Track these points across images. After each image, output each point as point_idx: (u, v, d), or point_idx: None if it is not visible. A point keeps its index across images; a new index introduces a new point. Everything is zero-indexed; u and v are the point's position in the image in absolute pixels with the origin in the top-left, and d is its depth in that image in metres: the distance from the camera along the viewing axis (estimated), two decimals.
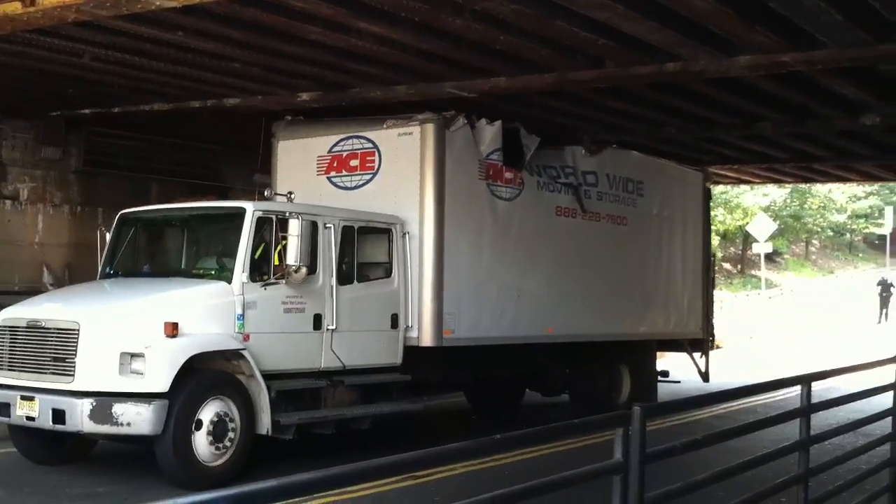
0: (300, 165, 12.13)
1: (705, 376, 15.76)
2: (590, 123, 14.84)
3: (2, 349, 9.47)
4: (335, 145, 11.95)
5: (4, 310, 9.79)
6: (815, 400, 6.32)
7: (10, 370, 9.37)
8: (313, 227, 10.05)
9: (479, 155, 11.91)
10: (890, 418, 7.50)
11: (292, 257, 9.55)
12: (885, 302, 38.40)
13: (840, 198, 50.14)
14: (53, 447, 9.74)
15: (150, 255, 11.57)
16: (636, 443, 4.13)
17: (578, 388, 14.20)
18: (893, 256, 57.67)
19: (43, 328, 9.24)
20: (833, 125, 14.06)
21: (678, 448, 4.64)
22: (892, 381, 7.48)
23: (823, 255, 56.84)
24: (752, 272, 44.62)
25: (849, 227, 55.32)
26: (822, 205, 49.93)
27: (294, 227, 9.55)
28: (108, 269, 10.77)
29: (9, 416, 9.22)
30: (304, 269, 9.72)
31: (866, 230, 57.08)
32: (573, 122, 14.77)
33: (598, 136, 15.30)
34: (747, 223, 39.08)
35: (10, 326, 9.50)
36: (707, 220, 17.03)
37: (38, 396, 8.96)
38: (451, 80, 11.22)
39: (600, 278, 13.79)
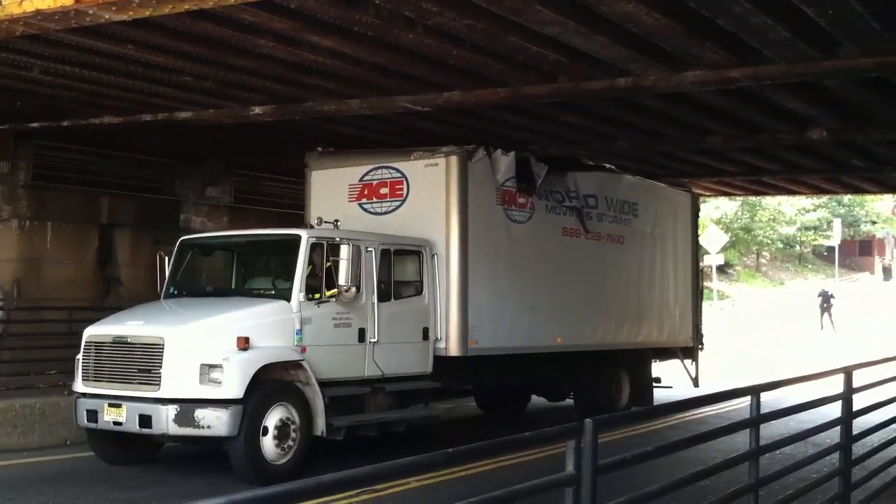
0: (332, 193, 13.26)
1: (695, 382, 16.90)
2: (543, 137, 14.96)
3: (87, 362, 10.59)
4: (365, 174, 13.13)
5: (88, 327, 10.89)
6: (765, 410, 6.41)
7: (95, 381, 10.50)
8: (358, 250, 11.15)
9: (496, 182, 13.16)
10: (838, 428, 7.61)
11: (343, 278, 10.79)
12: (825, 312, 40.56)
13: (790, 210, 50.95)
14: (125, 450, 10.92)
15: (210, 277, 12.95)
16: (588, 455, 4.15)
17: (582, 393, 15.55)
18: (842, 267, 58.73)
19: (129, 343, 10.37)
20: (781, 139, 14.28)
21: (630, 459, 4.66)
22: (841, 391, 7.60)
23: (774, 266, 57.65)
24: (705, 284, 45.10)
25: (798, 239, 56.23)
26: (772, 217, 50.70)
27: (344, 251, 10.82)
28: (171, 290, 11.98)
29: (96, 422, 10.39)
30: (353, 289, 10.97)
31: (815, 242, 58.06)
32: (527, 136, 14.87)
33: (551, 150, 15.43)
34: (699, 235, 39.55)
35: (95, 342, 10.62)
36: (695, 237, 18.37)
37: (125, 404, 10.13)
38: (405, 94, 11.25)
39: (602, 292, 15.11)
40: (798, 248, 59.01)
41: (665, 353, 16.99)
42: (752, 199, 39.74)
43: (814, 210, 53.13)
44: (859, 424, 8.04)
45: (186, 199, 17.58)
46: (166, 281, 11.99)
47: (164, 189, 17.38)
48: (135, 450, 10.95)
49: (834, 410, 7.68)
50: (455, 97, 11.08)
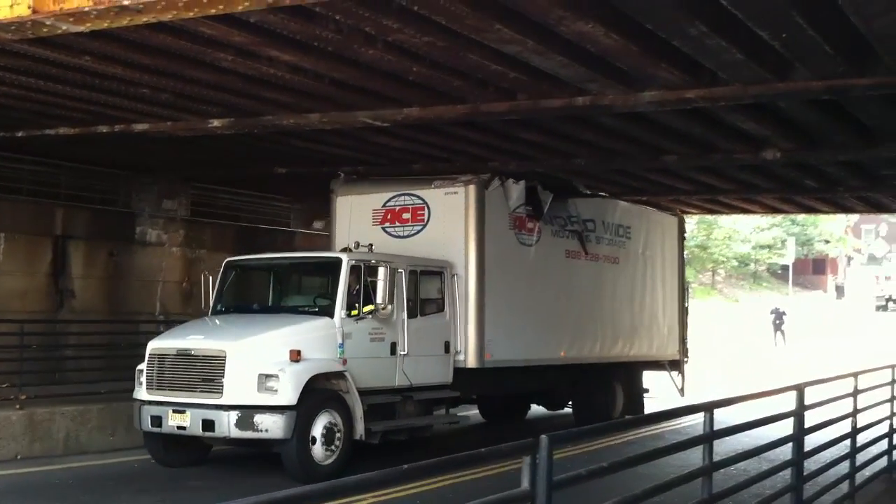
0: (356, 217, 14.34)
1: (682, 391, 18.22)
2: (502, 154, 15.03)
3: (151, 372, 11.66)
4: (388, 201, 14.28)
5: (152, 341, 12.06)
6: (721, 426, 6.47)
7: (159, 389, 11.58)
8: (392, 272, 12.23)
9: (509, 209, 14.40)
10: (791, 444, 7.70)
11: (381, 297, 11.92)
12: (778, 328, 41.82)
13: (745, 229, 51.60)
14: (179, 453, 12.05)
15: (252, 295, 13.91)
16: (543, 470, 4.16)
17: (580, 402, 16.83)
18: (796, 286, 59.56)
19: (192, 355, 11.46)
20: (736, 159, 14.46)
21: (585, 475, 4.68)
22: (793, 408, 7.70)
23: (729, 283, 58.33)
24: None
25: (753, 257, 56.95)
26: (727, 235, 51.33)
27: (381, 273, 11.94)
28: (218, 306, 13.08)
29: (160, 427, 11.46)
30: (389, 307, 12.14)
31: (770, 260, 58.86)
32: (485, 153, 14.94)
33: (510, 167, 15.52)
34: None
35: (158, 355, 11.71)
36: (681, 257, 19.68)
37: (188, 410, 11.21)
38: (364, 109, 11.24)
39: (599, 309, 16.45)
40: (753, 266, 59.77)
41: (654, 365, 18.21)
42: (708, 217, 40.26)
43: (768, 229, 53.92)
44: (811, 441, 8.15)
45: (142, 211, 17.43)
46: (213, 298, 13.09)
47: (120, 201, 17.22)
48: (186, 453, 12.10)
49: (787, 427, 7.77)
50: (414, 113, 11.10)
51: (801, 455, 7.66)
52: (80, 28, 7.23)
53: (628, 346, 17.21)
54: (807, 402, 7.80)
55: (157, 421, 11.51)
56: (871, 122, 12.09)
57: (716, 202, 21.04)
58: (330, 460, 11.33)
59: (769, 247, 55.94)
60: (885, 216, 66.03)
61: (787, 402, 7.81)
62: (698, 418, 6.24)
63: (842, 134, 12.69)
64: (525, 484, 4.13)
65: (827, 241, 61.56)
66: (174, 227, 17.97)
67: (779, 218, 50.77)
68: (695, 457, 6.25)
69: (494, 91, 10.35)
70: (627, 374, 17.37)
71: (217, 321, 12.78)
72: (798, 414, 7.64)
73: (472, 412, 16.83)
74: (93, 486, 10.95)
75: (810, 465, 8.17)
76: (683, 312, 19.31)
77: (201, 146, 14.64)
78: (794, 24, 7.49)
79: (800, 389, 7.66)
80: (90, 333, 15.55)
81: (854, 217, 60.71)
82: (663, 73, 9.25)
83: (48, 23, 6.83)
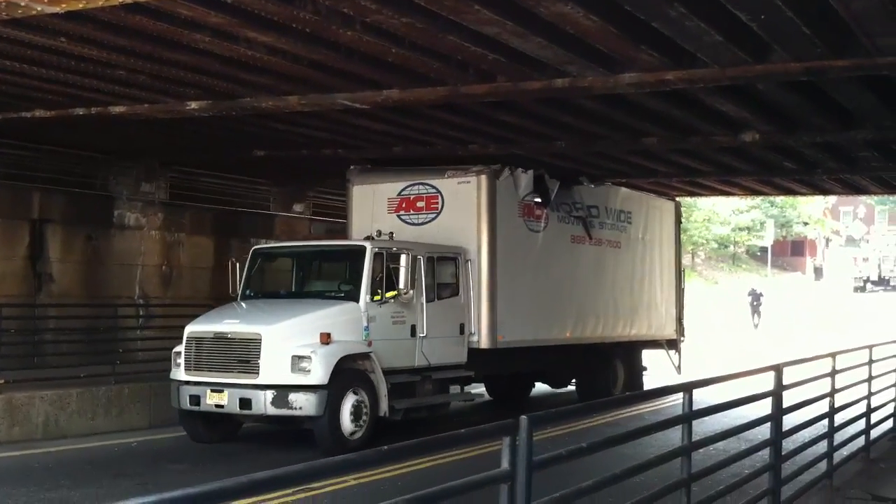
0: (372, 205, 15.01)
1: (678, 369, 19.10)
2: (481, 137, 15.01)
3: (189, 354, 12.35)
4: (403, 190, 15.01)
5: (189, 325, 12.67)
6: (701, 406, 6.51)
7: (196, 370, 12.27)
8: (412, 258, 12.93)
9: (518, 197, 15.14)
10: (769, 424, 7.76)
11: (403, 283, 12.68)
12: (755, 309, 42.41)
13: (724, 211, 51.80)
14: (212, 430, 12.78)
15: (278, 281, 14.62)
16: (523, 451, 4.17)
17: (584, 380, 17.67)
18: (774, 267, 59.90)
19: (229, 338, 12.20)
20: (715, 141, 14.52)
21: (564, 455, 4.70)
22: (772, 388, 7.75)
23: (709, 265, 58.57)
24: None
25: (732, 239, 57.20)
26: (707, 218, 51.49)
27: (403, 260, 12.70)
28: (247, 292, 13.84)
29: (199, 405, 12.18)
30: (411, 291, 12.87)
31: (749, 242, 59.15)
32: (465, 136, 14.92)
33: (490, 149, 15.50)
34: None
35: (196, 338, 12.40)
36: (678, 241, 20.46)
37: (226, 390, 11.92)
38: (343, 92, 11.19)
39: (603, 292, 17.25)
40: (732, 248, 60.04)
41: (653, 344, 19.11)
42: (688, 199, 40.38)
43: (747, 211, 54.14)
44: (789, 421, 8.21)
45: (120, 195, 17.32)
46: (241, 284, 13.86)
47: (98, 184, 17.09)
48: (219, 430, 12.86)
49: (766, 407, 7.82)
50: (394, 95, 11.06)
51: (779, 435, 7.71)
52: (55, 9, 7.17)
53: (629, 327, 18.07)
54: (785, 382, 7.85)
55: (195, 400, 12.20)
56: (848, 105, 12.16)
57: (696, 184, 21.11)
58: (357, 435, 12.10)
59: (748, 229, 56.19)
60: (862, 198, 66.51)
61: (768, 383, 7.86)
62: (680, 399, 6.26)
63: (820, 116, 12.75)
64: (505, 464, 4.14)
65: (805, 223, 61.87)
66: (153, 211, 17.87)
67: (758, 200, 50.93)
68: (675, 437, 6.29)
69: (474, 73, 10.33)
70: (628, 353, 18.25)
71: (248, 306, 13.51)
72: (776, 394, 7.69)
73: (478, 390, 17.30)
74: (72, 471, 10.94)
75: (788, 444, 8.23)
76: (680, 293, 20.13)
77: (180, 129, 14.54)
78: (772, 5, 7.50)
79: (778, 370, 7.71)
80: (69, 317, 15.47)
81: (832, 199, 61.08)
82: (643, 56, 9.25)
83: (23, 3, 6.78)
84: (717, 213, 51.13)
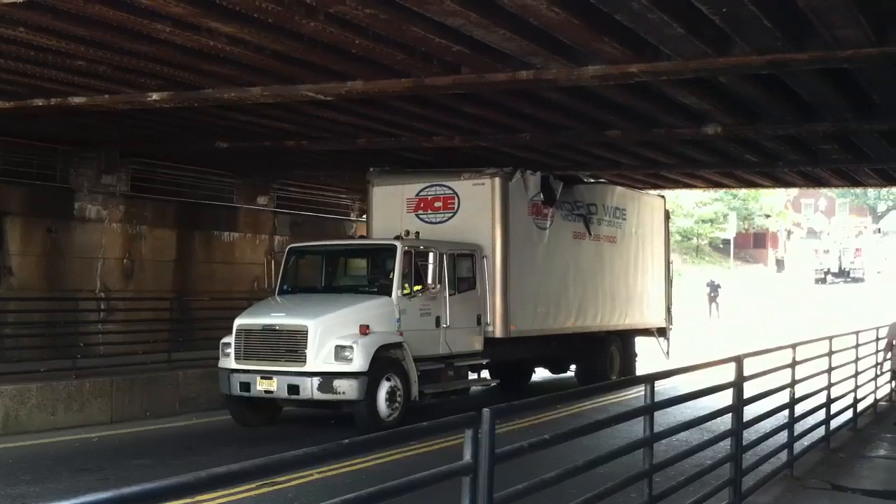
0: (392, 205, 16.29)
1: (667, 355, 20.53)
2: (447, 128, 14.99)
3: (239, 345, 13.41)
4: (421, 191, 16.24)
5: (237, 319, 13.73)
6: (661, 398, 6.55)
7: (246, 359, 13.33)
8: (438, 256, 14.16)
9: (527, 198, 16.37)
10: (730, 415, 7.81)
11: (431, 278, 13.92)
12: (712, 300, 43.64)
13: (687, 204, 52.18)
14: (256, 414, 13.88)
15: (313, 277, 15.54)
16: (486, 444, 4.16)
17: (583, 365, 19.04)
18: (737, 259, 60.51)
19: (277, 330, 13.35)
20: (678, 134, 14.59)
21: (527, 447, 4.70)
22: (733, 379, 7.80)
23: (672, 257, 58.98)
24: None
25: (695, 231, 57.67)
26: (671, 210, 51.80)
27: (431, 257, 13.96)
28: (284, 287, 14.98)
29: (249, 391, 13.26)
30: (438, 286, 14.12)
31: (712, 235, 59.67)
32: (430, 128, 14.89)
33: (455, 141, 15.50)
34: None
35: (245, 330, 13.50)
36: (667, 235, 21.87)
37: (275, 377, 12.99)
38: (307, 83, 11.11)
39: (601, 284, 18.56)
40: (695, 240, 60.55)
41: (644, 332, 20.53)
42: (652, 192, 40.64)
43: (710, 204, 54.64)
44: (751, 412, 8.28)
45: (81, 187, 17.11)
46: (279, 280, 15.08)
47: (58, 176, 16.88)
48: (262, 415, 13.95)
49: (728, 398, 7.87)
50: (358, 86, 10.99)
51: (740, 425, 7.77)
52: None
53: (624, 316, 19.41)
54: (746, 374, 7.91)
55: (245, 386, 13.24)
56: (809, 97, 12.26)
57: (659, 177, 21.23)
58: (392, 417, 13.16)
59: (711, 221, 56.70)
60: (823, 191, 67.32)
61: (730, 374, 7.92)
62: (640, 391, 6.28)
63: (781, 109, 12.86)
64: (468, 457, 4.13)
65: (767, 216, 62.54)
66: (114, 203, 17.67)
67: (720, 192, 51.43)
68: (639, 428, 6.31)
69: (438, 65, 10.29)
70: (622, 341, 19.67)
71: (289, 300, 14.54)
72: (737, 385, 7.74)
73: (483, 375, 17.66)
74: (33, 466, 10.81)
75: (750, 434, 8.30)
76: (668, 285, 21.64)
77: (141, 120, 14.38)
78: None
79: (739, 361, 7.76)
80: (29, 311, 15.26)
81: (794, 192, 61.81)
82: (606, 48, 9.26)
83: None
84: (680, 206, 51.52)
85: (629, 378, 7.56)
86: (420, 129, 14.91)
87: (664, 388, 13.79)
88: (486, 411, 4.21)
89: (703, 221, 56.09)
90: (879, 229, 79.96)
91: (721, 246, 61.52)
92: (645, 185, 22.38)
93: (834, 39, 8.63)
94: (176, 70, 10.87)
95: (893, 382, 14.94)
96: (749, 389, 8.09)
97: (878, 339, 14.32)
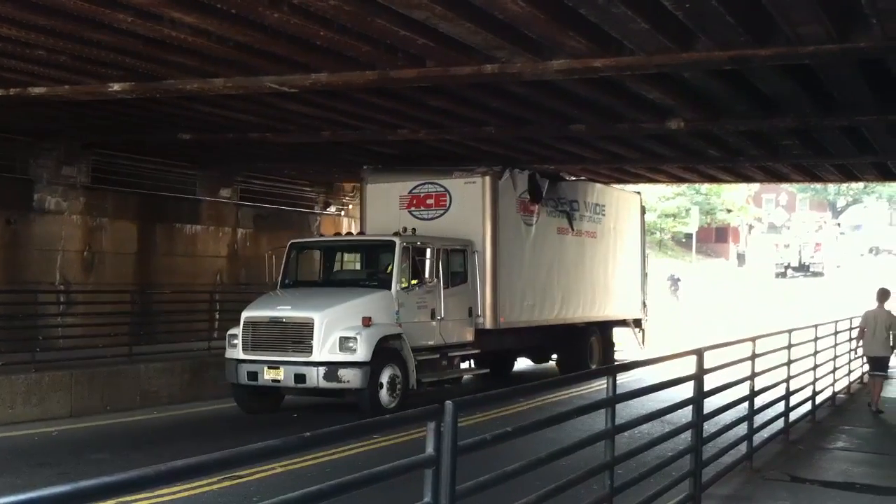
0: (385, 202, 16.99)
1: (642, 344, 21.71)
2: (412, 121, 14.97)
3: (246, 336, 14.01)
4: (414, 188, 16.90)
5: (244, 311, 14.30)
6: (627, 390, 6.59)
7: (253, 350, 13.93)
8: (435, 251, 14.98)
9: (515, 195, 17.12)
10: (691, 407, 7.88)
11: (428, 273, 14.78)
12: (673, 293, 45.10)
13: (650, 198, 52.42)
14: (260, 402, 14.47)
15: (313, 271, 16.31)
16: (448, 436, 4.16)
17: (564, 355, 19.80)
18: (699, 253, 60.99)
19: (284, 322, 13.96)
20: (642, 129, 14.68)
21: (489, 440, 4.70)
22: (693, 371, 7.86)
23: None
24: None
25: (658, 225, 58.03)
26: None
27: (429, 252, 14.87)
28: (286, 281, 15.60)
29: (256, 381, 13.88)
30: (435, 280, 14.91)
31: (675, 229, 60.09)
32: (396, 120, 14.86)
33: (420, 134, 15.49)
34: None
35: (252, 322, 14.08)
36: (643, 230, 22.87)
37: (282, 366, 13.64)
38: (270, 75, 11.03)
39: (583, 277, 19.50)
40: (658, 234, 60.95)
41: (621, 323, 21.45)
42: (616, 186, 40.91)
43: (673, 198, 54.99)
44: (711, 404, 8.35)
45: (41, 178, 16.89)
46: (281, 274, 15.64)
47: (17, 167, 16.65)
48: (266, 403, 14.53)
49: (689, 390, 7.93)
50: (322, 78, 10.94)
51: (700, 417, 7.83)
52: None
53: (603, 308, 20.31)
54: (706, 366, 7.97)
55: (253, 376, 13.86)
56: (771, 93, 12.39)
57: (623, 171, 21.35)
58: (393, 404, 13.81)
59: (674, 216, 57.06)
60: (784, 186, 68.05)
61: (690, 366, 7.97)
62: (603, 384, 6.31)
63: (743, 104, 12.98)
64: (430, 449, 4.12)
65: (729, 211, 63.04)
66: (74, 195, 17.46)
67: (683, 187, 51.75)
68: (603, 421, 6.34)
69: (404, 57, 10.26)
70: (602, 331, 20.51)
71: (293, 294, 15.05)
72: (698, 377, 7.80)
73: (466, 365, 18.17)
74: None
75: (710, 427, 8.37)
76: (644, 278, 22.65)
77: (102, 111, 14.22)
78: None
79: (699, 354, 7.81)
80: None
81: (755, 187, 62.34)
82: (571, 42, 9.28)
83: None
84: (644, 200, 51.80)
85: (591, 370, 7.79)
86: (385, 121, 14.88)
87: (630, 380, 14.03)
88: (448, 404, 4.21)
89: (666, 216, 56.46)
90: (839, 224, 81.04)
91: (683, 240, 61.95)
92: (609, 179, 22.52)
93: (796, 36, 8.71)
94: (138, 60, 10.76)
95: (866, 366, 15.34)
96: (710, 382, 8.16)
97: (836, 333, 14.52)
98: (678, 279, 45.24)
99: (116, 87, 11.77)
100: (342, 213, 24.89)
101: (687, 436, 7.92)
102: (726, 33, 8.76)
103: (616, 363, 17.79)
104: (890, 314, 14.45)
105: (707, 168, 20.53)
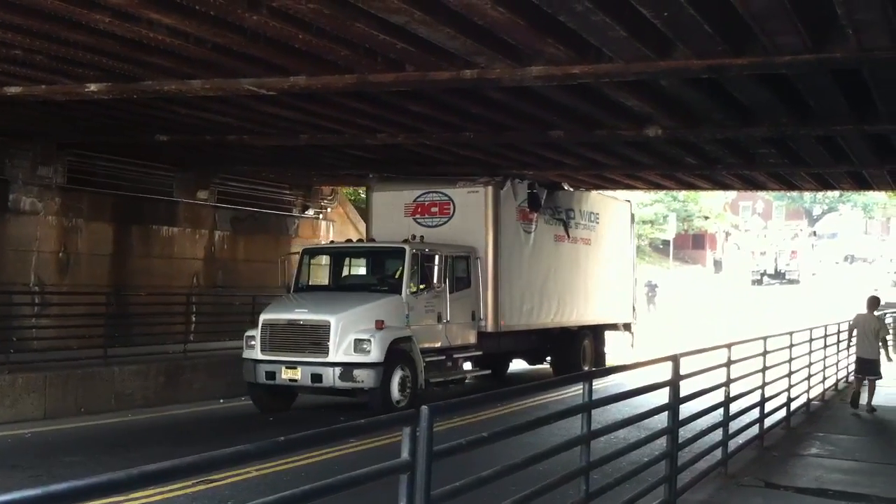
0: (391, 210, 17.76)
1: (632, 345, 22.46)
2: (390, 126, 14.96)
3: (264, 338, 14.66)
4: (418, 197, 17.67)
5: (262, 314, 15.02)
6: (600, 395, 6.59)
7: (270, 351, 14.60)
8: (442, 258, 15.81)
9: (515, 204, 17.91)
10: (667, 413, 7.91)
11: (436, 278, 15.61)
12: (650, 300, 45.39)
13: None
14: (275, 400, 15.15)
15: (325, 276, 17.01)
16: (423, 441, 4.16)
17: (558, 357, 20.45)
18: (676, 259, 61.31)
19: (301, 325, 14.66)
20: (620, 135, 14.73)
21: (465, 445, 4.70)
22: (669, 377, 7.90)
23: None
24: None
25: (637, 232, 58.27)
26: None
27: (437, 259, 15.69)
28: (299, 285, 16.39)
29: (274, 380, 14.55)
30: (443, 285, 15.71)
31: (652, 235, 60.40)
32: (374, 125, 14.85)
33: (398, 139, 15.48)
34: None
35: (270, 324, 14.75)
36: (632, 237, 23.59)
37: (299, 367, 14.31)
38: (249, 77, 11.00)
39: (577, 282, 20.23)
40: (636, 240, 61.20)
41: (612, 327, 22.21)
42: (607, 194, 41.13)
43: (651, 205, 55.28)
44: (687, 410, 8.38)
45: (16, 178, 16.76)
46: (294, 278, 16.49)
47: None
48: (280, 402, 15.22)
49: (665, 396, 7.96)
50: (301, 81, 10.91)
51: (676, 423, 7.86)
52: None
53: (596, 312, 21.09)
54: (682, 372, 8.01)
55: (271, 375, 14.53)
56: (747, 102, 12.47)
57: (601, 178, 21.42)
58: (403, 403, 14.44)
59: (651, 222, 57.37)
60: (761, 193, 68.49)
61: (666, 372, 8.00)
62: (579, 389, 6.31)
63: (720, 112, 13.05)
64: (405, 454, 4.12)
65: (706, 218, 63.45)
66: (50, 196, 17.34)
67: (661, 194, 52.08)
68: (577, 426, 6.34)
69: (383, 62, 10.26)
70: (594, 334, 21.30)
71: (308, 298, 15.71)
72: (673, 383, 7.84)
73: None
74: None
75: (685, 432, 8.40)
76: (633, 283, 23.61)
77: (79, 111, 14.12)
78: (675, 2, 7.64)
79: (675, 359, 7.85)
80: None
81: (732, 194, 62.75)
82: (550, 49, 9.31)
83: None
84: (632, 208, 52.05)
85: (568, 376, 7.87)
86: (364, 125, 14.86)
87: (609, 385, 14.07)
88: (424, 409, 4.20)
89: (644, 222, 56.67)
90: (815, 232, 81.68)
91: (661, 246, 62.27)
92: (588, 185, 22.58)
93: (773, 45, 8.78)
94: (115, 61, 10.70)
95: (855, 366, 15.81)
96: (686, 388, 8.19)
97: (811, 340, 14.62)
98: (655, 285, 45.61)
99: (93, 87, 11.70)
100: (321, 216, 24.83)
101: (662, 441, 7.94)
102: (704, 42, 8.82)
103: (590, 371, 17.85)
104: (878, 319, 15.59)
105: (685, 175, 20.64)
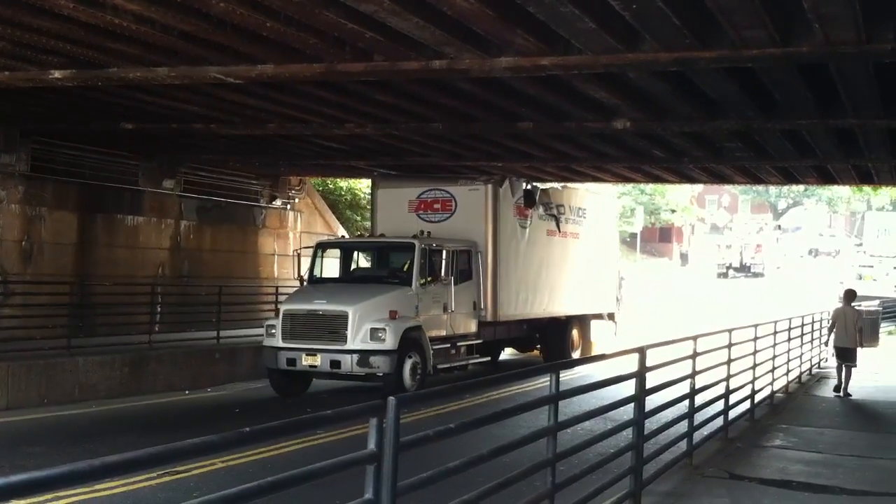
0: (395, 206, 18.87)
1: (615, 334, 23.72)
2: (358, 116, 14.89)
3: (285, 327, 15.72)
4: (422, 194, 18.78)
5: (283, 304, 16.44)
6: (569, 387, 6.61)
7: (291, 339, 15.65)
8: (449, 252, 16.95)
9: (512, 200, 18.98)
10: (633, 404, 7.94)
11: (444, 271, 16.73)
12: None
13: None
14: (292, 385, 16.25)
15: (340, 269, 18.11)
16: (390, 432, 4.14)
17: (548, 345, 21.61)
18: (643, 252, 61.69)
19: (320, 315, 15.72)
20: (588, 128, 14.75)
21: (432, 436, 4.69)
22: (636, 369, 7.93)
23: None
24: None
25: None
26: None
27: (445, 254, 16.82)
28: (314, 277, 17.52)
29: (294, 366, 15.64)
30: (450, 278, 16.79)
31: (620, 228, 60.69)
32: (342, 115, 14.77)
33: (367, 129, 15.41)
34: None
35: (291, 314, 15.83)
36: (615, 230, 25.08)
37: (319, 354, 15.40)
38: (215, 65, 10.88)
39: (567, 274, 21.28)
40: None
41: (598, 317, 23.28)
42: (592, 189, 41.25)
43: (619, 198, 55.36)
44: (653, 402, 8.42)
45: None
46: (309, 271, 17.53)
47: None
48: (297, 387, 16.32)
49: (631, 388, 7.99)
50: (268, 70, 10.81)
51: (642, 415, 7.90)
52: None
53: (583, 303, 22.23)
54: (648, 364, 8.04)
55: (291, 362, 15.59)
56: (714, 95, 12.53)
57: (569, 170, 21.48)
58: (414, 388, 15.27)
59: (619, 215, 57.63)
60: (727, 187, 69.06)
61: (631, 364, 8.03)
62: (547, 381, 6.32)
63: (687, 105, 13.11)
64: (372, 445, 4.10)
65: (673, 211, 63.89)
66: (12, 184, 17.09)
67: (628, 187, 52.32)
68: (544, 418, 6.35)
69: (351, 51, 10.19)
70: (581, 324, 22.42)
71: (325, 289, 16.81)
72: (640, 375, 7.87)
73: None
74: None
75: (651, 424, 8.44)
76: (618, 274, 24.91)
77: (43, 98, 13.93)
78: None
79: (641, 351, 7.88)
80: None
81: (698, 187, 63.24)
82: (519, 40, 9.29)
83: None
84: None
85: (535, 367, 8.07)
86: (331, 115, 14.78)
87: (577, 376, 14.07)
88: (391, 400, 4.19)
89: None
90: (780, 226, 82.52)
91: (628, 239, 62.61)
92: (556, 177, 22.65)
93: (740, 39, 8.82)
94: (79, 48, 10.55)
95: (836, 360, 16.75)
96: (652, 380, 8.23)
97: (775, 333, 14.76)
98: (622, 278, 45.76)
99: (57, 74, 11.53)
100: (288, 206, 24.70)
101: (628, 433, 7.97)
102: (672, 35, 8.83)
103: (556, 362, 17.99)
104: (856, 311, 16.78)
105: (652, 168, 20.74)
